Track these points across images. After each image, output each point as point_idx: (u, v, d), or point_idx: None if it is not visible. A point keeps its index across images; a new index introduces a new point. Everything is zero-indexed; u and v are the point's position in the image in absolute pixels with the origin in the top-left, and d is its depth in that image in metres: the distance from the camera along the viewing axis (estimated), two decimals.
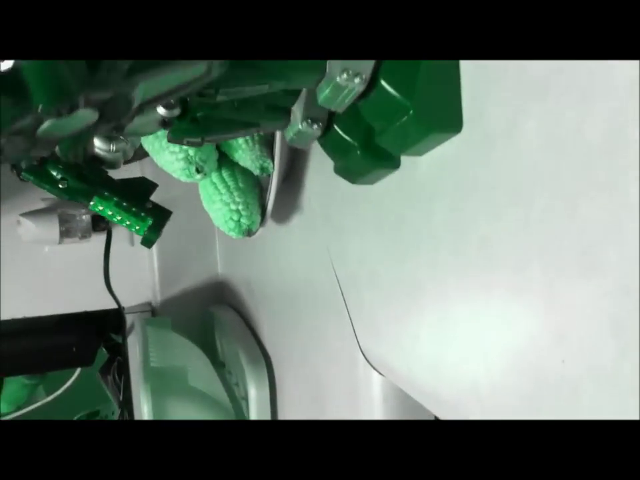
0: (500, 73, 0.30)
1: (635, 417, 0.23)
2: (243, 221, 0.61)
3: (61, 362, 1.08)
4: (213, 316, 0.99)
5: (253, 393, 0.77)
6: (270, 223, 0.63)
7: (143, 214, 0.41)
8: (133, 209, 0.41)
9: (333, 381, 0.56)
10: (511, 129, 0.29)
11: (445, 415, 0.40)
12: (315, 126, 0.40)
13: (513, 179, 0.29)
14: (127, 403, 1.11)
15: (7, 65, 0.22)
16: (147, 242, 0.47)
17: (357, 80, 0.33)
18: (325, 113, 0.39)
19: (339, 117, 0.39)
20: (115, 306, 1.01)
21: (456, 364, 0.36)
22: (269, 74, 0.34)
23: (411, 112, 0.32)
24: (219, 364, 0.98)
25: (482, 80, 0.31)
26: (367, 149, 0.38)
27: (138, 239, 1.03)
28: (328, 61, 0.34)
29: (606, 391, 0.24)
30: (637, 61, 0.22)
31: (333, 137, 0.40)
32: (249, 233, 0.62)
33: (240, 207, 0.61)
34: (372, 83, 0.34)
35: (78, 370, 1.13)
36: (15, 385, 1.18)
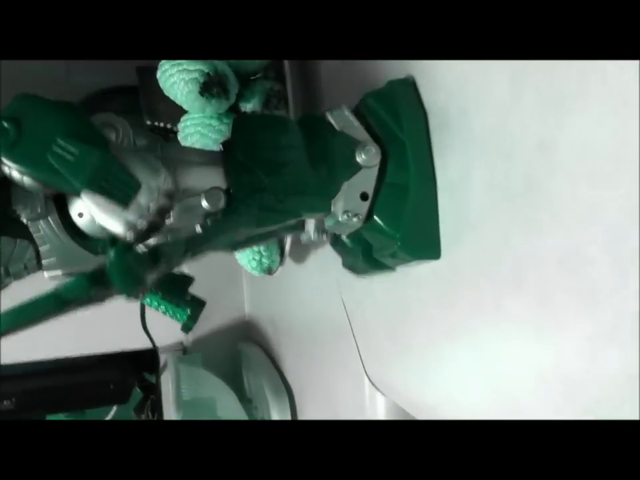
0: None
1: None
2: (264, 260, 0.68)
3: (98, 399, 1.15)
4: (241, 353, 1.05)
5: None
6: (288, 261, 0.70)
7: (182, 305, 0.48)
8: (175, 301, 0.47)
9: (344, 403, 0.61)
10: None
11: None
12: (355, 219, 0.41)
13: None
14: None
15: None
16: (186, 328, 0.55)
17: (354, 219, 0.41)
18: (366, 207, 0.41)
19: (379, 208, 0.42)
20: (149, 345, 1.07)
21: (445, 386, 0.42)
22: (290, 213, 0.41)
23: (399, 243, 0.40)
24: (246, 400, 1.03)
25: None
26: (368, 259, 0.45)
27: None
28: (332, 202, 0.41)
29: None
30: None
31: (373, 228, 0.43)
32: (270, 271, 0.69)
33: (261, 248, 0.68)
34: (369, 216, 0.41)
35: (114, 409, 1.19)
36: None
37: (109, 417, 1.19)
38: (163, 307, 0.47)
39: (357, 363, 0.56)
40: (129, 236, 0.33)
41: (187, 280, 0.51)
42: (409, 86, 0.41)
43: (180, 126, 0.64)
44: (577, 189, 0.27)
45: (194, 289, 1.10)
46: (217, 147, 0.42)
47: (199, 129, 0.62)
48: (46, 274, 0.40)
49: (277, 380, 0.87)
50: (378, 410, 0.54)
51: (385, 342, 0.50)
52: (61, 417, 1.24)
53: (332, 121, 0.42)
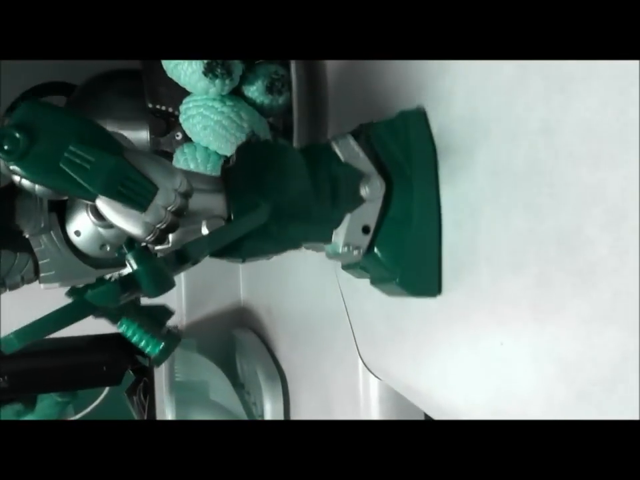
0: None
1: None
2: None
3: (91, 380, 1.15)
4: (235, 339, 1.06)
5: (268, 407, 0.83)
6: None
7: (157, 339, 0.48)
8: (150, 334, 0.47)
9: (338, 386, 0.62)
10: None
11: (431, 412, 0.46)
12: (356, 252, 0.41)
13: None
14: None
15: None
16: (156, 362, 0.54)
17: (355, 252, 0.41)
18: (367, 240, 0.41)
19: (380, 242, 0.41)
20: None
21: (440, 369, 0.42)
22: (291, 242, 0.41)
23: (397, 279, 0.40)
24: (238, 385, 1.04)
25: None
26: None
27: None
28: (334, 233, 0.41)
29: None
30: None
31: (373, 261, 0.42)
32: None
33: None
34: (370, 248, 0.41)
35: (106, 391, 1.19)
36: (48, 401, 1.25)
37: (100, 399, 1.19)
38: (137, 337, 0.47)
39: (351, 349, 0.57)
40: (149, 238, 0.33)
41: (167, 313, 0.51)
42: (421, 119, 0.40)
43: (182, 108, 0.64)
44: (579, 170, 0.27)
45: (190, 276, 1.11)
46: (217, 171, 0.41)
47: (201, 110, 0.62)
48: (43, 286, 0.40)
49: (270, 366, 0.87)
50: (371, 394, 0.54)
51: (380, 326, 0.50)
52: (53, 397, 1.24)
53: (337, 151, 0.41)
